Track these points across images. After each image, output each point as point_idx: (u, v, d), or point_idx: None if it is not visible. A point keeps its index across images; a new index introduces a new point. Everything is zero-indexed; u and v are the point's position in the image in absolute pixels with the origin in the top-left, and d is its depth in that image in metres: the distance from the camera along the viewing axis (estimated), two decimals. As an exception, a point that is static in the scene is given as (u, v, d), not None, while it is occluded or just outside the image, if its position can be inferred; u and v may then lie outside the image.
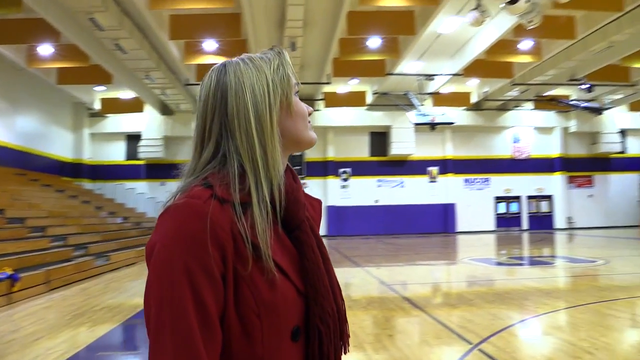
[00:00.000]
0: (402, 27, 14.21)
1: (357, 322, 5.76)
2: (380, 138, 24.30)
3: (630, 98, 22.35)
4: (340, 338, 0.95)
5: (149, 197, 22.19)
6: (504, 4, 11.23)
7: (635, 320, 5.84)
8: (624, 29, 14.38)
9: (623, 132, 25.50)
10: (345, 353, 0.97)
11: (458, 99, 22.17)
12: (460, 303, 6.92)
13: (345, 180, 23.93)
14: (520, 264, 11.83)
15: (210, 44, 14.78)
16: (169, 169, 1.64)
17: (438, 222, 24.25)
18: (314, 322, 0.89)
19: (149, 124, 22.25)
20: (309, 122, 1.04)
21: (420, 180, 24.55)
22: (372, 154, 24.43)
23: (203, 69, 15.93)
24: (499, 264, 12.12)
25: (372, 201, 23.95)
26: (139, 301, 7.21)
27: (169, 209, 0.83)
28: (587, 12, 13.48)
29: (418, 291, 8.31)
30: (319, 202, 1.12)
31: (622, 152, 25.51)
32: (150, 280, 0.80)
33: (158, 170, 22.26)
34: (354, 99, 21.70)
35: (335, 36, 14.20)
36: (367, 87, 21.58)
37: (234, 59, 0.98)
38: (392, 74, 18.06)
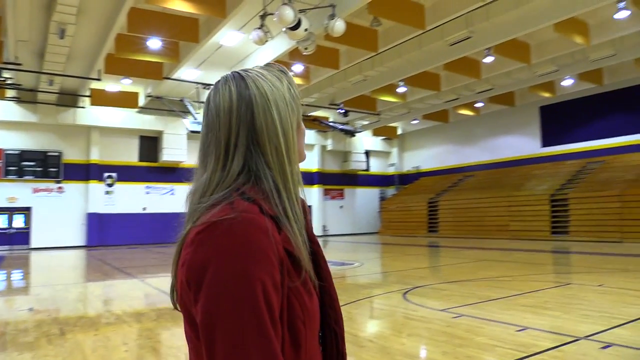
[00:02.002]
0: (185, 33, 14.04)
1: (153, 337, 5.52)
2: (150, 143, 23.28)
3: (375, 125, 26.39)
4: None
5: None
6: (286, 29, 12.12)
7: (396, 310, 6.96)
8: (375, 67, 16.98)
9: (367, 153, 29.90)
10: None
11: (232, 111, 22.76)
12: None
13: (110, 185, 22.14)
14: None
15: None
16: None
17: (208, 230, 24.32)
18: (330, 325, 0.97)
19: None
20: None
21: (191, 188, 24.30)
22: (142, 159, 23.21)
23: None
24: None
25: (139, 209, 22.71)
26: None
27: (220, 223, 0.80)
28: (350, 47, 15.49)
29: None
30: (308, 206, 1.19)
31: (366, 170, 29.87)
32: (218, 296, 0.76)
33: None
34: (125, 100, 20.36)
35: (113, 30, 13.19)
36: (140, 89, 20.50)
37: (245, 71, 0.98)
38: (169, 79, 17.62)
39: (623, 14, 13.11)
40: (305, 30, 12.09)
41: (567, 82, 20.56)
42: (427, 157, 30.05)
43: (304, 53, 13.45)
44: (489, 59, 16.28)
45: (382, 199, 30.14)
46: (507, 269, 11.08)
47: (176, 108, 21.19)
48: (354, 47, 15.21)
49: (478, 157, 27.00)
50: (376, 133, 29.31)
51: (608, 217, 18.05)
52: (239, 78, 0.95)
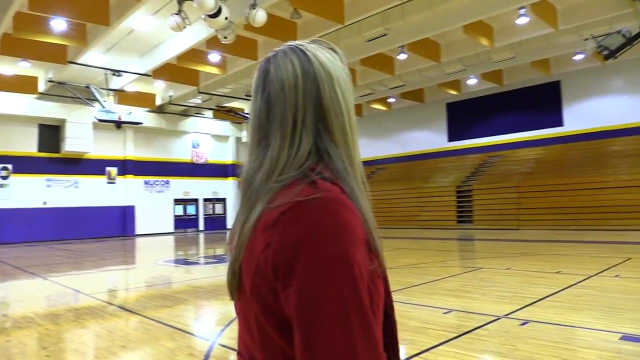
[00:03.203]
0: (94, 15, 13.16)
1: (75, 339, 5.17)
2: (52, 132, 21.58)
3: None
4: None
5: None
6: (205, 16, 11.75)
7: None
8: (294, 59, 17.02)
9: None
10: None
11: (143, 99, 21.75)
12: (175, 303, 6.96)
13: (4, 178, 20.24)
14: (218, 262, 12.53)
15: None
16: None
17: (116, 225, 23.12)
18: (388, 312, 0.95)
19: None
20: None
21: (98, 180, 22.94)
22: (41, 150, 21.45)
23: None
24: (196, 263, 12.56)
25: (39, 203, 21.00)
26: None
27: (308, 203, 0.76)
28: (269, 38, 15.36)
29: (126, 296, 7.91)
30: None
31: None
32: (318, 280, 0.72)
33: None
34: (22, 85, 18.70)
35: (11, 7, 12.04)
36: (40, 73, 18.91)
37: (302, 45, 0.92)
38: (74, 63, 16.43)
39: (523, 20, 14.22)
40: (226, 18, 11.83)
41: (472, 81, 21.96)
42: (341, 150, 30.62)
43: (223, 42, 13.14)
44: (402, 56, 16.94)
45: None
46: (423, 256, 11.66)
47: (81, 95, 19.81)
48: (273, 38, 15.11)
49: (390, 150, 28.04)
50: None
51: (507, 206, 19.60)
52: (299, 52, 0.90)
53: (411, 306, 6.00)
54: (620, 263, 9.05)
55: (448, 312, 5.63)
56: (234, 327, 5.30)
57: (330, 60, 0.91)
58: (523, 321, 5.00)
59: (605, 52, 13.04)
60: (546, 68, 20.52)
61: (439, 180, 23.35)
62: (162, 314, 6.22)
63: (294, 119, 0.86)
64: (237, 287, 0.84)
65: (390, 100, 25.63)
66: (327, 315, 0.71)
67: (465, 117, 24.82)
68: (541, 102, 22.04)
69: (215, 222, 26.98)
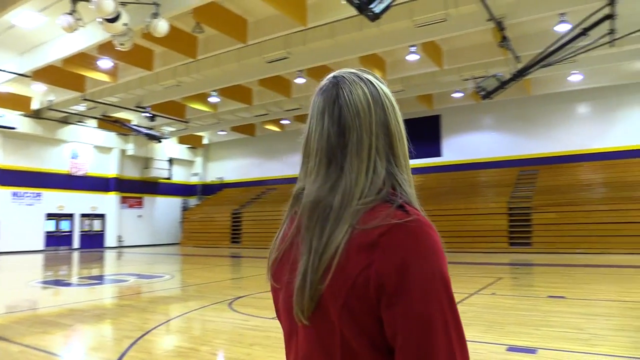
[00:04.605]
0: (-33, 5, 11.77)
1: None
2: None
3: (182, 132, 25.67)
4: None
5: None
6: (102, 20, 11.10)
7: (228, 322, 6.88)
8: (191, 73, 16.64)
9: (171, 161, 28.81)
10: None
11: (16, 102, 19.68)
12: (58, 329, 6.33)
13: None
14: (99, 283, 11.61)
15: None
16: None
17: (-26, 241, 20.42)
18: None
19: None
20: None
21: (-46, 189, 20.18)
22: None
23: None
24: (77, 284, 11.51)
25: None
26: None
27: (404, 226, 0.80)
28: (167, 50, 14.86)
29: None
30: None
31: (169, 178, 28.70)
32: (429, 295, 0.78)
33: None
34: None
35: None
36: None
37: (361, 72, 0.96)
38: None
39: (413, 57, 15.34)
40: (125, 24, 11.28)
41: (362, 109, 23.03)
42: (232, 168, 30.34)
43: (119, 49, 12.46)
44: (300, 80, 17.34)
45: (185, 209, 29.32)
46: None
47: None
48: (172, 50, 14.65)
49: (280, 171, 28.31)
50: (181, 141, 28.52)
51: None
52: (365, 79, 0.94)
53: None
54: (493, 282, 10.00)
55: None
56: (134, 353, 4.97)
57: (387, 89, 0.96)
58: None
59: (483, 93, 14.48)
60: (429, 102, 22.25)
61: (329, 202, 23.99)
62: (45, 341, 5.63)
63: (369, 145, 0.89)
64: (312, 310, 0.83)
65: (284, 122, 25.99)
66: (435, 329, 0.77)
67: (354, 143, 25.91)
68: (423, 133, 23.77)
69: (93, 240, 24.97)
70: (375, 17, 9.21)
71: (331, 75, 0.98)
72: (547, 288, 9.32)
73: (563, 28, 12.66)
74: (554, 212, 17.74)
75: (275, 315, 1.04)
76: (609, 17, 11.18)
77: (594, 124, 20.42)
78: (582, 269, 12.47)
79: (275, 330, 5.79)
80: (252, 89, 20.25)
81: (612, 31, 12.13)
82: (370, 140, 0.89)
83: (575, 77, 18.61)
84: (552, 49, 12.45)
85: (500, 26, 12.39)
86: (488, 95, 14.27)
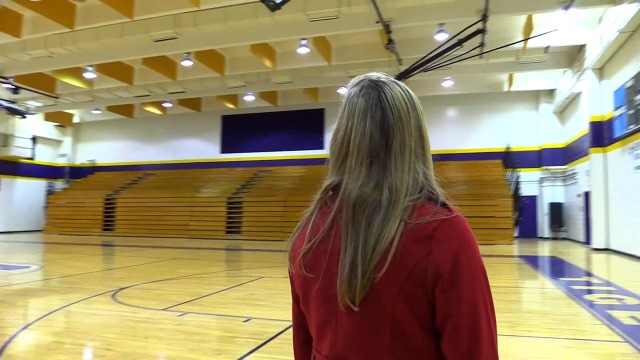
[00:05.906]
0: None
1: None
2: None
3: (50, 108, 23.36)
4: None
5: None
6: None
7: (115, 314, 6.51)
8: (66, 44, 15.20)
9: (35, 139, 26.06)
10: None
11: None
12: None
13: None
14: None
15: None
16: None
17: None
18: None
19: None
20: None
21: None
22: None
23: None
24: None
25: None
26: None
27: (452, 221, 0.92)
28: (40, 16, 13.43)
29: None
30: None
31: (31, 158, 25.93)
32: (475, 281, 0.90)
33: None
34: None
35: None
36: None
37: (387, 76, 1.05)
38: None
39: (304, 50, 15.60)
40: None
41: (249, 98, 22.90)
42: (105, 150, 28.35)
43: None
44: (187, 63, 16.74)
45: (50, 192, 26.75)
46: (202, 266, 11.65)
47: None
48: (45, 17, 13.28)
49: (160, 156, 27.13)
50: (48, 118, 25.91)
51: (274, 219, 20.87)
52: (400, 83, 1.04)
53: (209, 316, 6.03)
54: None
55: (247, 319, 5.84)
56: (12, 352, 4.54)
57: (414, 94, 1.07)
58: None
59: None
60: (315, 96, 22.76)
61: (210, 190, 23.54)
62: None
63: (411, 146, 0.99)
64: (365, 295, 0.92)
65: (166, 105, 24.85)
66: (479, 311, 0.90)
67: (239, 130, 25.69)
68: (308, 125, 24.33)
69: None
70: (275, 7, 9.27)
71: (366, 77, 1.05)
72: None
73: (442, 37, 13.77)
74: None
75: (299, 304, 1.11)
76: (481, 31, 12.40)
77: (460, 127, 22.50)
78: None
79: (168, 323, 5.64)
80: (134, 67, 19.11)
81: (482, 44, 13.47)
82: (410, 142, 0.99)
83: (448, 83, 20.30)
84: (431, 55, 13.48)
85: (387, 29, 13.11)
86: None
